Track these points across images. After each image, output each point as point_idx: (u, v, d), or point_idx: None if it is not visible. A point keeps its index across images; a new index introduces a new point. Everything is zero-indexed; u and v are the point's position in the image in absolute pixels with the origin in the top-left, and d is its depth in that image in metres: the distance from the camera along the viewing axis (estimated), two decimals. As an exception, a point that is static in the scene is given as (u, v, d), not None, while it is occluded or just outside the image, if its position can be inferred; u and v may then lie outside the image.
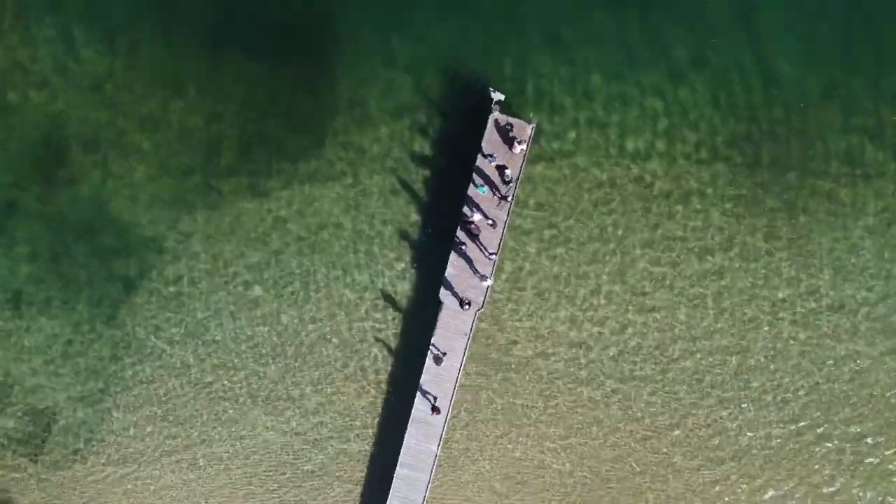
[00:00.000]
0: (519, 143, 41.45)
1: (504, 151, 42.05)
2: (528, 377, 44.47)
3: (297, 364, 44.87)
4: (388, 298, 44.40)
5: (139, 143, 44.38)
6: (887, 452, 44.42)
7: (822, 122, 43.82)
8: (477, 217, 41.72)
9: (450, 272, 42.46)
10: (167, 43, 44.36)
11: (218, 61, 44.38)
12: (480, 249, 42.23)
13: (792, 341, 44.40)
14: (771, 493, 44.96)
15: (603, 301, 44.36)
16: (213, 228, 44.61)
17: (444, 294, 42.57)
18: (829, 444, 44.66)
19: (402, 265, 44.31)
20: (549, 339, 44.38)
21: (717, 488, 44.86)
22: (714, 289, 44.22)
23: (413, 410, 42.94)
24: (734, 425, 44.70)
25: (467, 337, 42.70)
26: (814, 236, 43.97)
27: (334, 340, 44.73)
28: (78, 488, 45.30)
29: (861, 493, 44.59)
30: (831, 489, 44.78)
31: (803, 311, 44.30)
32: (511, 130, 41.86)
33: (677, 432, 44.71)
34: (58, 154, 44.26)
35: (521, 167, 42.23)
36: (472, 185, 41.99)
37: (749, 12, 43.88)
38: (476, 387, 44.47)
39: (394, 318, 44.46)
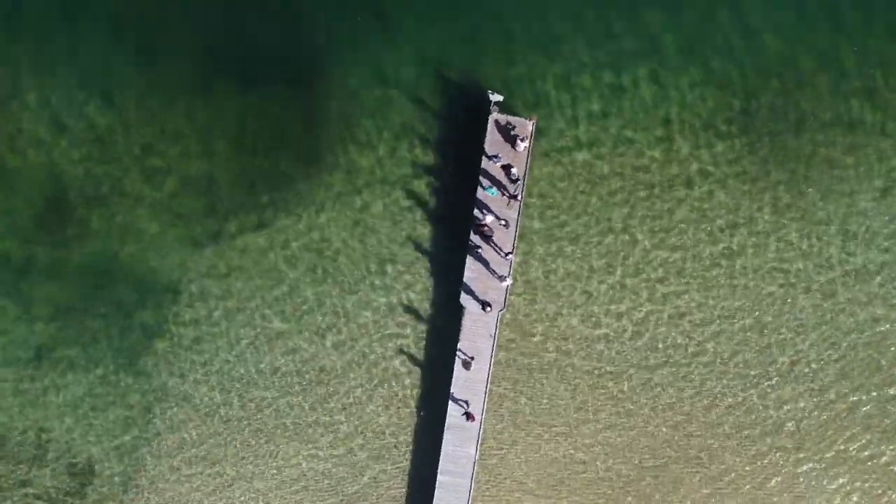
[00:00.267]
0: (522, 140, 41.78)
1: (508, 150, 42.37)
2: (555, 376, 44.58)
3: (326, 390, 44.90)
4: (409, 311, 44.52)
5: (142, 191, 44.47)
6: (922, 409, 44.67)
7: (816, 90, 44.13)
8: (489, 219, 42.04)
9: (468, 276, 42.69)
10: (160, 90, 44.45)
11: (212, 103, 44.47)
12: (496, 250, 42.47)
13: (812, 312, 44.56)
14: (810, 465, 45.06)
15: (620, 292, 44.53)
16: (226, 267, 44.66)
17: (464, 299, 42.77)
18: (864, 409, 44.82)
19: (419, 276, 44.42)
20: (571, 335, 44.50)
21: (756, 464, 44.94)
22: (729, 268, 44.42)
23: (447, 417, 43.06)
24: (765, 401, 44.82)
25: (493, 338, 42.81)
26: (822, 205, 44.22)
27: (360, 362, 44.81)
28: (124, 537, 45.33)
29: (900, 454, 44.87)
30: (867, 453, 44.92)
31: (820, 280, 44.49)
32: (512, 129, 42.18)
33: (710, 415, 44.83)
34: (65, 211, 44.35)
35: (527, 164, 42.50)
36: (479, 187, 42.28)
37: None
38: (505, 390, 44.56)
39: (417, 330, 44.57)
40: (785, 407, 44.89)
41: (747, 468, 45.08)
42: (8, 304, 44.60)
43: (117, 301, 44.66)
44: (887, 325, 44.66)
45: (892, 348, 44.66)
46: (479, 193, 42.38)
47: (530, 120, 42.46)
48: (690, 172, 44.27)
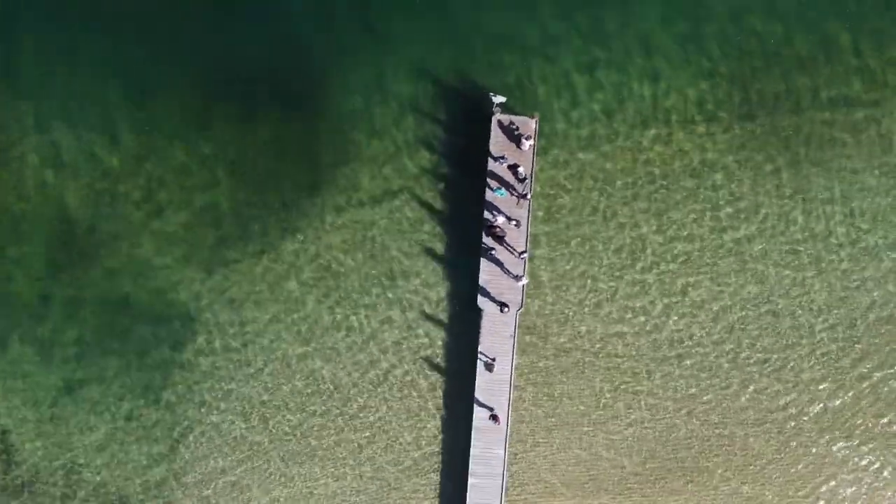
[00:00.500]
0: (526, 139, 41.89)
1: (513, 150, 42.44)
2: (576, 374, 44.61)
3: (350, 408, 45.07)
4: (428, 319, 44.59)
5: (151, 226, 44.53)
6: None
7: (811, 69, 43.96)
8: (500, 220, 42.18)
9: (483, 278, 42.79)
10: (161, 124, 44.37)
11: (212, 132, 44.44)
12: (509, 251, 42.54)
13: (828, 292, 44.48)
14: (839, 444, 45.02)
15: (636, 287, 44.51)
16: (240, 294, 44.74)
17: (481, 301, 42.87)
18: (889, 385, 44.87)
19: (434, 284, 44.48)
20: (589, 333, 44.53)
21: (785, 449, 44.94)
22: (742, 255, 44.31)
23: (474, 420, 43.15)
24: (789, 385, 44.78)
25: (513, 338, 42.94)
26: (827, 184, 44.07)
27: (383, 376, 44.94)
28: (160, 572, 45.71)
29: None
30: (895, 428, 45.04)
31: (832, 259, 44.42)
32: (516, 128, 42.26)
33: (734, 402, 44.86)
34: (76, 251, 44.49)
35: (533, 162, 42.60)
36: (488, 189, 42.39)
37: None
38: (527, 391, 44.64)
39: (437, 338, 44.67)
40: (809, 389, 44.80)
41: (776, 453, 45.04)
42: (27, 347, 44.76)
43: (135, 337, 44.80)
44: (901, 300, 44.62)
45: (911, 322, 44.63)
46: (488, 195, 42.49)
47: (533, 118, 42.56)
48: (694, 162, 44.12)
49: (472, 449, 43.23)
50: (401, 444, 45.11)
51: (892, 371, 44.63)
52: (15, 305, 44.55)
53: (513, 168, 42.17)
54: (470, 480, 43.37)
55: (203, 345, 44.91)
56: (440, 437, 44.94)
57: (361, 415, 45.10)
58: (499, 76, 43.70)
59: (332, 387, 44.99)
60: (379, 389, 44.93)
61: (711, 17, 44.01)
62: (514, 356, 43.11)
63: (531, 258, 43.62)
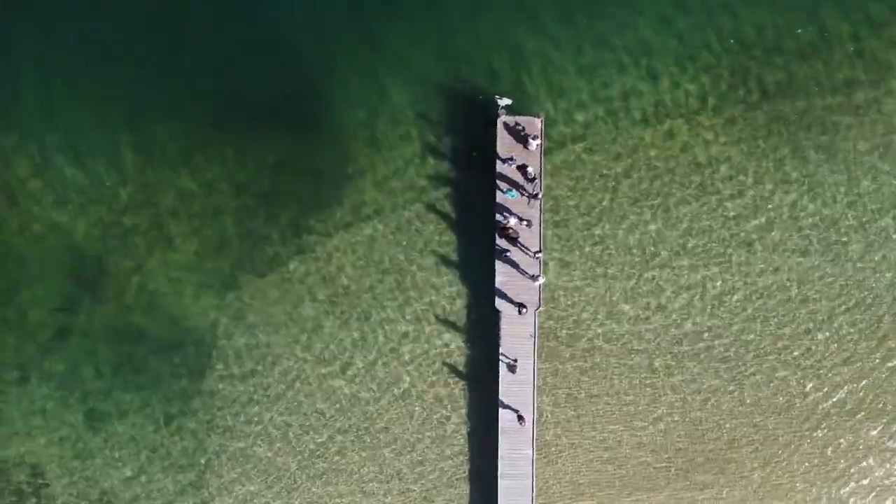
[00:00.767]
0: (533, 139, 42.10)
1: (520, 151, 42.65)
2: (597, 372, 44.70)
3: (374, 423, 45.18)
4: (447, 325, 44.70)
5: (162, 254, 44.73)
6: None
7: (809, 56, 44.15)
8: (512, 221, 42.36)
9: (499, 280, 42.94)
10: (165, 153, 44.64)
11: (217, 156, 44.63)
12: (524, 251, 42.69)
13: (844, 277, 44.58)
14: (868, 425, 45.11)
15: (654, 274, 44.59)
16: (256, 317, 44.85)
17: (499, 303, 43.01)
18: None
19: (451, 290, 44.63)
20: (608, 330, 44.63)
21: (813, 435, 44.91)
22: (759, 229, 44.42)
23: (500, 423, 43.18)
24: (815, 358, 44.75)
25: (533, 338, 43.02)
26: (831, 167, 44.28)
27: (406, 389, 45.03)
28: (199, 589, 45.60)
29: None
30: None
31: (844, 241, 44.58)
32: (522, 129, 42.51)
33: (759, 392, 44.87)
34: (90, 284, 44.69)
35: (541, 161, 42.81)
36: (499, 192, 42.62)
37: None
38: (550, 392, 44.68)
39: (457, 344, 44.76)
40: (833, 374, 44.81)
41: (805, 442, 44.99)
42: (55, 368, 45.00)
43: (158, 350, 44.98)
44: (923, 272, 44.56)
45: (936, 296, 44.60)
46: (499, 198, 42.72)
47: (538, 117, 42.82)
48: (700, 156, 44.28)
49: (499, 451, 43.24)
50: (428, 454, 45.19)
51: (927, 346, 44.65)
52: (31, 343, 44.83)
53: (522, 169, 42.37)
54: (500, 483, 43.34)
55: (222, 371, 45.08)
56: (467, 443, 44.98)
57: (387, 429, 45.22)
58: (500, 79, 43.88)
59: (354, 404, 45.10)
60: (403, 402, 45.04)
61: (710, 10, 44.21)
62: (536, 356, 43.14)
63: (545, 255, 43.68)
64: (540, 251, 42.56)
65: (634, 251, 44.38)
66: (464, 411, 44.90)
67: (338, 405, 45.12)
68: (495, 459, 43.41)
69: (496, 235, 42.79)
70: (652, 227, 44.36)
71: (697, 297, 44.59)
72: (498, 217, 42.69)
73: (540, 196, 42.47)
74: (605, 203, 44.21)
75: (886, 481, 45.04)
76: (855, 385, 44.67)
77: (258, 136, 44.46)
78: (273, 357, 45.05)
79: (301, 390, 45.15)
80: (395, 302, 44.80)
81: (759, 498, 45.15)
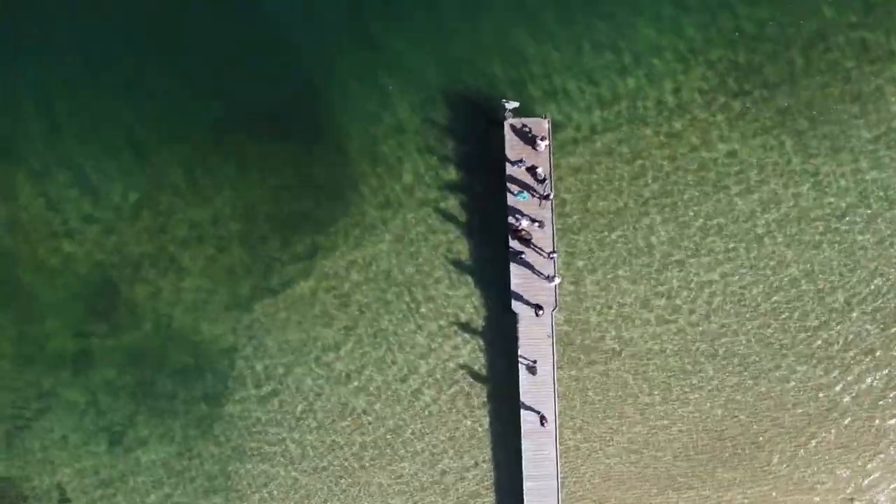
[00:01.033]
0: (541, 140, 42.33)
1: (529, 152, 42.91)
2: (617, 367, 44.69)
3: (398, 424, 45.12)
4: (465, 329, 44.73)
5: (180, 262, 44.91)
6: None
7: (817, 27, 44.51)
8: (525, 223, 42.48)
9: (515, 282, 43.05)
10: (179, 160, 44.96)
11: (231, 163, 44.89)
12: (538, 252, 42.83)
13: (861, 251, 44.63)
14: (892, 417, 45.02)
15: (669, 271, 44.67)
16: (276, 322, 44.95)
17: (516, 305, 43.09)
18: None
19: (467, 294, 44.69)
20: (626, 324, 44.66)
21: (835, 411, 44.74)
22: (771, 224, 44.55)
23: (522, 425, 43.13)
24: (834, 349, 44.74)
25: (551, 339, 43.05)
26: (847, 141, 44.39)
27: (427, 389, 45.00)
28: None
29: None
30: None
31: (862, 219, 44.63)
32: (529, 131, 42.74)
33: (784, 384, 44.75)
34: (110, 296, 44.81)
35: (551, 162, 43.05)
36: (510, 194, 42.86)
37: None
38: (571, 389, 44.65)
39: (476, 347, 44.74)
40: (854, 365, 44.81)
41: (829, 434, 44.89)
42: (74, 398, 45.07)
43: (177, 375, 45.03)
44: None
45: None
46: (510, 200, 42.93)
47: (545, 118, 43.09)
48: (711, 136, 44.48)
49: (524, 453, 43.17)
50: (452, 465, 45.18)
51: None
52: (50, 374, 44.96)
53: (531, 170, 42.61)
54: (525, 484, 43.24)
55: (242, 394, 45.18)
56: (490, 450, 44.94)
57: (410, 442, 45.24)
58: (504, 82, 44.20)
59: (375, 419, 45.13)
60: (424, 414, 45.06)
61: (710, 7, 44.58)
62: (555, 356, 43.18)
63: (560, 254, 43.85)
64: (554, 251, 42.68)
65: (648, 252, 44.50)
66: (486, 419, 44.86)
67: (359, 421, 45.14)
68: (520, 461, 43.31)
69: (509, 238, 42.95)
70: (664, 227, 44.48)
71: (713, 295, 44.65)
72: (510, 219, 42.87)
73: (551, 196, 42.65)
74: (617, 205, 44.39)
75: (911, 469, 44.92)
76: (875, 375, 44.56)
77: (268, 153, 44.76)
78: (292, 377, 45.10)
79: (321, 409, 45.15)
80: (410, 314, 44.91)
81: (786, 493, 44.92)
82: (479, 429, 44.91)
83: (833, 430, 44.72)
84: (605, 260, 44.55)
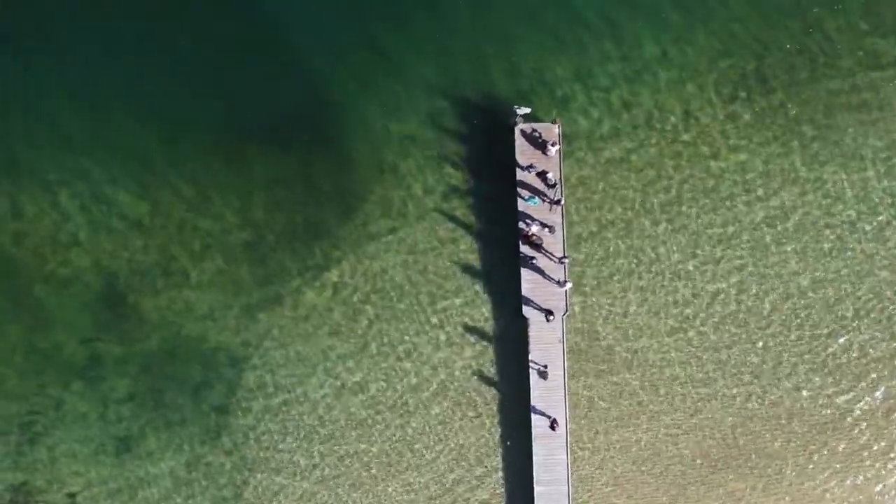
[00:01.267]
0: (551, 145, 42.54)
1: (540, 157, 43.11)
2: (628, 373, 44.52)
3: (409, 432, 44.85)
4: (476, 334, 44.63)
5: (189, 271, 44.87)
6: None
7: (823, 33, 44.96)
8: (535, 228, 42.60)
9: (525, 287, 43.06)
10: (186, 169, 45.15)
11: (239, 172, 45.05)
12: (548, 257, 42.91)
13: (871, 259, 44.70)
14: (905, 406, 44.69)
15: (680, 279, 44.66)
16: (285, 330, 44.93)
17: (526, 310, 43.08)
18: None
19: (478, 299, 44.61)
20: (636, 331, 44.58)
21: (848, 419, 44.50)
22: (781, 232, 44.61)
23: (533, 430, 42.97)
24: (846, 357, 44.60)
25: (562, 343, 43.01)
26: (855, 147, 44.63)
27: (438, 398, 44.81)
28: None
29: None
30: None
31: (872, 227, 44.76)
32: (539, 136, 43.00)
33: (790, 381, 44.62)
34: (118, 306, 44.74)
35: (561, 167, 43.27)
36: (520, 199, 43.00)
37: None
38: (582, 395, 44.47)
39: (487, 352, 44.59)
40: (866, 374, 44.71)
41: (840, 444, 44.58)
42: (84, 408, 44.89)
43: (186, 385, 44.88)
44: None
45: (958, 280, 44.57)
46: (521, 205, 43.06)
47: (555, 123, 43.37)
48: (718, 145, 44.74)
49: (534, 457, 42.96)
50: (464, 475, 44.81)
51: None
52: (58, 385, 44.84)
53: (542, 175, 42.78)
54: (536, 489, 42.99)
55: (255, 386, 44.84)
56: (502, 450, 44.67)
57: (421, 437, 44.91)
58: (513, 86, 44.62)
59: (387, 429, 44.88)
60: (435, 423, 44.80)
61: (721, 16, 45.17)
62: (566, 361, 43.14)
63: (570, 259, 43.84)
64: (566, 256, 42.79)
65: (657, 261, 44.57)
66: (497, 425, 44.63)
67: (370, 432, 44.91)
68: (531, 466, 43.11)
69: (520, 243, 43.05)
70: (673, 236, 44.57)
71: (724, 304, 44.62)
72: (520, 224, 42.99)
73: (562, 202, 42.82)
74: (627, 215, 44.60)
75: (928, 478, 44.69)
76: (887, 383, 44.45)
77: (280, 152, 45.00)
78: (301, 388, 44.95)
79: (331, 419, 44.93)
80: (420, 321, 44.88)
81: (798, 502, 44.52)
82: (490, 436, 44.66)
83: (845, 439, 44.42)
84: (616, 269, 44.58)
